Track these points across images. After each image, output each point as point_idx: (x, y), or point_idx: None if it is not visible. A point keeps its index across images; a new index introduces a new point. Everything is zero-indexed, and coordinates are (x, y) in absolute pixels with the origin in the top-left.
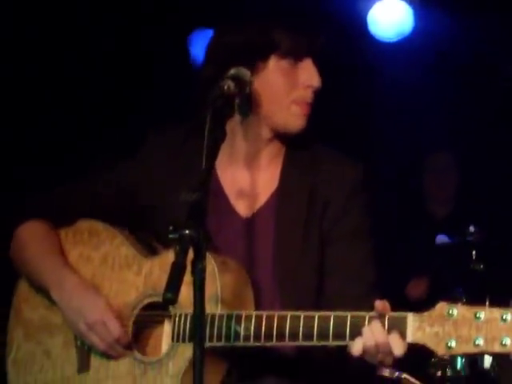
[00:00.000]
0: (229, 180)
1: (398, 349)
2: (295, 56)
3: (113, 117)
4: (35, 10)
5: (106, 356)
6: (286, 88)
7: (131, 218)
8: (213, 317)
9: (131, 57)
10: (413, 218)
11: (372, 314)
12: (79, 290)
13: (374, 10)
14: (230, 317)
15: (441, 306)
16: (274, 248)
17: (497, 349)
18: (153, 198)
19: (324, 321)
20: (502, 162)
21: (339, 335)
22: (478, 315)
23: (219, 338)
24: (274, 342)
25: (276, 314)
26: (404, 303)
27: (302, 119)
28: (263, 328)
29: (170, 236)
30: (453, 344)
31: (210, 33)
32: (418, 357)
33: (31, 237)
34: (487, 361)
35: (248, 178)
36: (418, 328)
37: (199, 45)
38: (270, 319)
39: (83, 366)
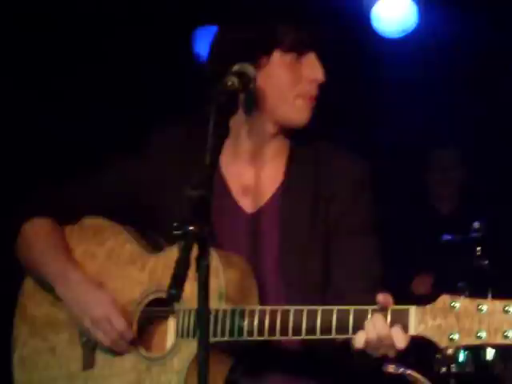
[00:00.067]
0: (233, 177)
1: (401, 342)
2: (298, 50)
3: (115, 115)
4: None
5: (111, 352)
6: (290, 82)
7: (135, 216)
8: (217, 312)
9: (134, 54)
10: (418, 214)
11: (375, 307)
12: (84, 286)
13: (377, 6)
14: (233, 312)
15: (443, 299)
16: (279, 243)
17: (499, 341)
18: (157, 195)
19: (327, 315)
20: (506, 158)
21: (342, 329)
22: (480, 307)
23: (223, 333)
24: (277, 337)
25: (279, 308)
26: (409, 300)
27: (307, 113)
28: (266, 322)
29: (175, 232)
30: (455, 336)
31: (213, 30)
32: (422, 353)
33: (36, 234)
34: (490, 353)
35: (252, 174)
36: (420, 321)
37: (203, 42)
38: (273, 313)
39: (88, 363)
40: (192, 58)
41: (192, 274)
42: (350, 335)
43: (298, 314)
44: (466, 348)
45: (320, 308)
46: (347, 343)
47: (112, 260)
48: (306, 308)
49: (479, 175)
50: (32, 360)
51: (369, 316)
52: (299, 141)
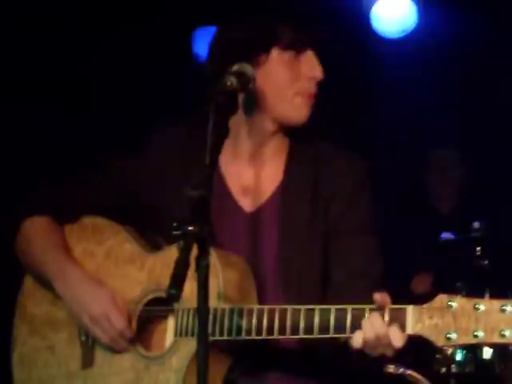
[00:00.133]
0: (233, 177)
1: (398, 341)
2: (297, 48)
3: (116, 115)
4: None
5: (110, 351)
6: (289, 80)
7: (135, 216)
8: (215, 311)
9: (134, 54)
10: (417, 214)
11: (372, 306)
12: (82, 282)
13: (377, 6)
14: (232, 311)
15: (440, 298)
16: (278, 242)
17: (496, 340)
18: (156, 195)
19: (325, 314)
20: (506, 158)
21: (340, 328)
22: (477, 306)
23: (221, 332)
24: (275, 336)
25: (277, 307)
26: (408, 299)
27: (306, 110)
28: (265, 321)
29: (174, 232)
30: (452, 335)
31: (213, 30)
32: (422, 353)
33: (36, 232)
34: (487, 353)
35: (252, 173)
36: (417, 320)
37: (203, 42)
38: (271, 313)
39: (87, 362)
40: (192, 58)
41: (191, 272)
42: (347, 334)
43: (296, 313)
44: (463, 347)
45: (318, 307)
46: (345, 342)
47: (111, 259)
48: (303, 307)
49: (479, 175)
50: (31, 359)
51: (366, 315)
52: (299, 140)
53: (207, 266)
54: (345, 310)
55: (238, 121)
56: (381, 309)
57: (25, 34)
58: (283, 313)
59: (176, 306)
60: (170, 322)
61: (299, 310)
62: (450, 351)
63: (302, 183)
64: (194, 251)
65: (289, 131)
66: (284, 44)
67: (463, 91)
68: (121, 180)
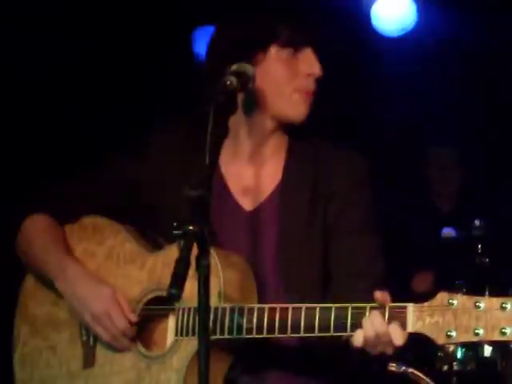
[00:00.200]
0: (233, 176)
1: (399, 339)
2: (295, 46)
3: (115, 115)
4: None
5: (111, 351)
6: (287, 77)
7: (135, 216)
8: (216, 310)
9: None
10: (418, 211)
11: (372, 304)
12: (84, 281)
13: (377, 4)
14: (232, 310)
15: (441, 296)
16: (278, 241)
17: (497, 337)
18: (156, 195)
19: (325, 312)
20: (505, 156)
21: (340, 327)
22: (478, 304)
23: (222, 331)
24: (276, 334)
25: (278, 306)
26: (409, 297)
27: (304, 108)
28: (265, 320)
29: (174, 232)
30: (453, 333)
31: (212, 29)
32: (424, 351)
33: (36, 230)
34: (487, 350)
35: (252, 173)
36: (418, 318)
37: (203, 42)
38: (272, 312)
39: (88, 362)
40: (192, 58)
41: (192, 271)
42: (348, 333)
43: (297, 311)
44: (464, 345)
45: (318, 306)
46: (346, 341)
47: (112, 259)
48: (304, 306)
49: (478, 174)
50: (33, 359)
51: (367, 313)
52: (298, 138)
53: (208, 266)
54: (345, 309)
55: (237, 120)
56: (381, 307)
57: (24, 34)
58: (284, 312)
59: (177, 305)
60: (171, 322)
61: (300, 308)
62: (451, 349)
63: (301, 182)
64: (195, 251)
65: (288, 130)
66: (282, 42)
67: (462, 90)
68: (121, 180)
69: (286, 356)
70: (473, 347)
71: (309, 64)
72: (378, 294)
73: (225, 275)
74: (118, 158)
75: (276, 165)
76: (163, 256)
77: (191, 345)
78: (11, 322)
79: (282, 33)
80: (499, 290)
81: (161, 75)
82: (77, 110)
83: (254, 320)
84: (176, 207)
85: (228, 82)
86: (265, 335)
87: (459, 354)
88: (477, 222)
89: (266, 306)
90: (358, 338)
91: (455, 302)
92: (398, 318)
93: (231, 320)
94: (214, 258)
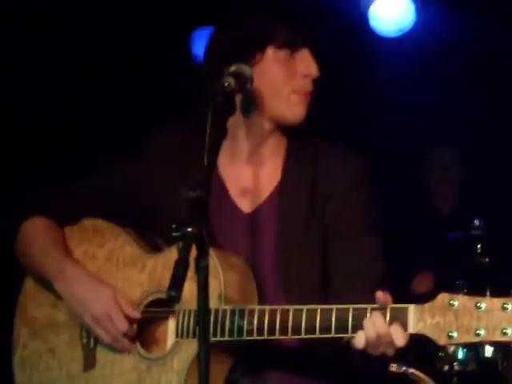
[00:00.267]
0: (231, 178)
1: (400, 340)
2: (292, 47)
3: (115, 115)
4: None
5: (112, 353)
6: (285, 78)
7: (134, 217)
8: (216, 312)
9: (134, 54)
10: (418, 213)
11: (374, 305)
12: (83, 281)
13: (375, 5)
14: (233, 311)
15: (442, 297)
16: (277, 242)
17: (498, 338)
18: (156, 196)
19: (326, 314)
20: (505, 156)
21: (341, 328)
22: (479, 305)
23: (223, 333)
24: (277, 336)
25: (279, 307)
26: (410, 298)
27: (302, 108)
28: (266, 322)
29: (173, 234)
30: (454, 334)
31: (210, 31)
32: (425, 352)
33: (35, 232)
34: (488, 351)
35: (250, 174)
36: (419, 319)
37: (201, 43)
38: (272, 313)
39: (89, 364)
40: (191, 59)
41: (191, 273)
42: (349, 334)
43: (298, 313)
44: (465, 346)
45: (319, 307)
46: (347, 342)
47: (112, 261)
48: (305, 307)
49: (479, 173)
50: (32, 361)
51: (368, 314)
52: (296, 139)
53: (207, 267)
54: (346, 310)
55: (235, 121)
56: (382, 308)
57: (24, 34)
58: (285, 313)
59: (177, 307)
60: (172, 324)
61: (301, 310)
62: (452, 349)
63: (300, 183)
64: (194, 252)
65: (286, 130)
66: (279, 42)
67: (462, 90)
68: (120, 181)
69: (286, 357)
70: (474, 348)
71: (306, 65)
72: (380, 295)
73: (225, 277)
74: (117, 159)
75: (274, 166)
76: (163, 258)
77: (192, 347)
78: (11, 323)
79: (279, 34)
80: (500, 291)
81: (159, 76)
82: (76, 110)
83: (255, 322)
84: (175, 208)
85: (226, 84)
86: (266, 337)
87: (460, 355)
88: (477, 222)
89: (267, 307)
90: (359, 340)
91: (456, 302)
92: (399, 318)
93: (232, 322)
94: (214, 260)
